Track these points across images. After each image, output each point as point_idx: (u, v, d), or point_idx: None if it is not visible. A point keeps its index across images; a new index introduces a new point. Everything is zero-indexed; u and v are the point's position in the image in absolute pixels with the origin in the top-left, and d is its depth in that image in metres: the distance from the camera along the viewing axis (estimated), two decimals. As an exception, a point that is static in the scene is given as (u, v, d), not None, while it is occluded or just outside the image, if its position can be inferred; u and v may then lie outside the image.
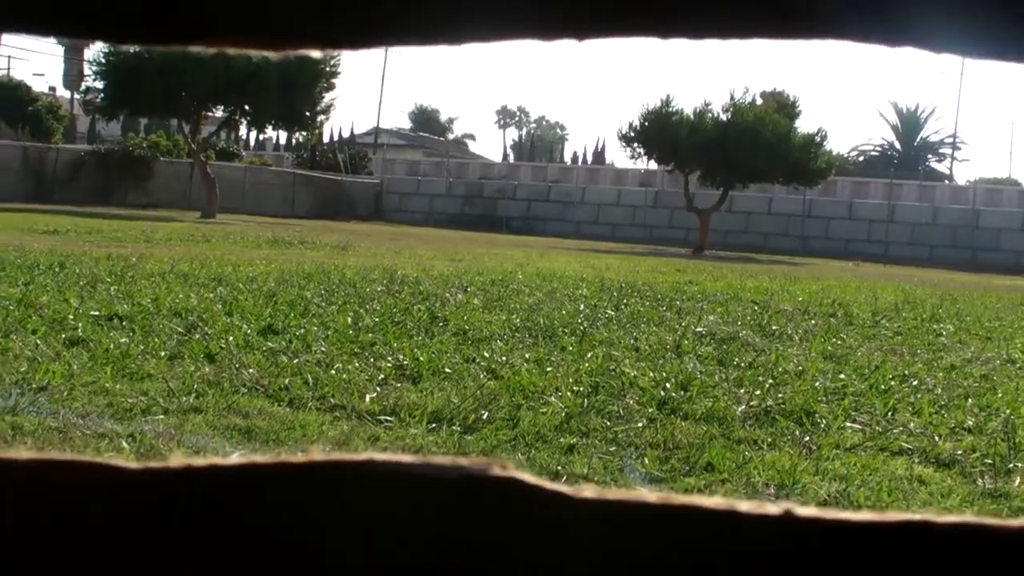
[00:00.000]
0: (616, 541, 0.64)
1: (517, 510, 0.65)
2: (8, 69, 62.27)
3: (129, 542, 0.67)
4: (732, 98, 44.54)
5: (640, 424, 5.88)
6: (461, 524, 0.65)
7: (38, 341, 7.02)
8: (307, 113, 45.70)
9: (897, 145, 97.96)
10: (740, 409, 6.40)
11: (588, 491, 0.65)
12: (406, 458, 0.67)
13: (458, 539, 0.65)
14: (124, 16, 0.70)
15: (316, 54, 0.74)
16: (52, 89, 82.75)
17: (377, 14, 0.70)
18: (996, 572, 0.66)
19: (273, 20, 0.70)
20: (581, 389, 6.68)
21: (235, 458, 0.69)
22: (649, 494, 0.65)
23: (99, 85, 43.47)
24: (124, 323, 8.11)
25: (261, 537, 0.66)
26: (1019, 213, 52.36)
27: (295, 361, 6.96)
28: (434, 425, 5.60)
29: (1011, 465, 5.50)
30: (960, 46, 0.74)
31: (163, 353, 6.94)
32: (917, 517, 0.66)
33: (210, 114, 46.53)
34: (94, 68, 43.48)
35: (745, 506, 0.65)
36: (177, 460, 0.69)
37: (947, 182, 71.63)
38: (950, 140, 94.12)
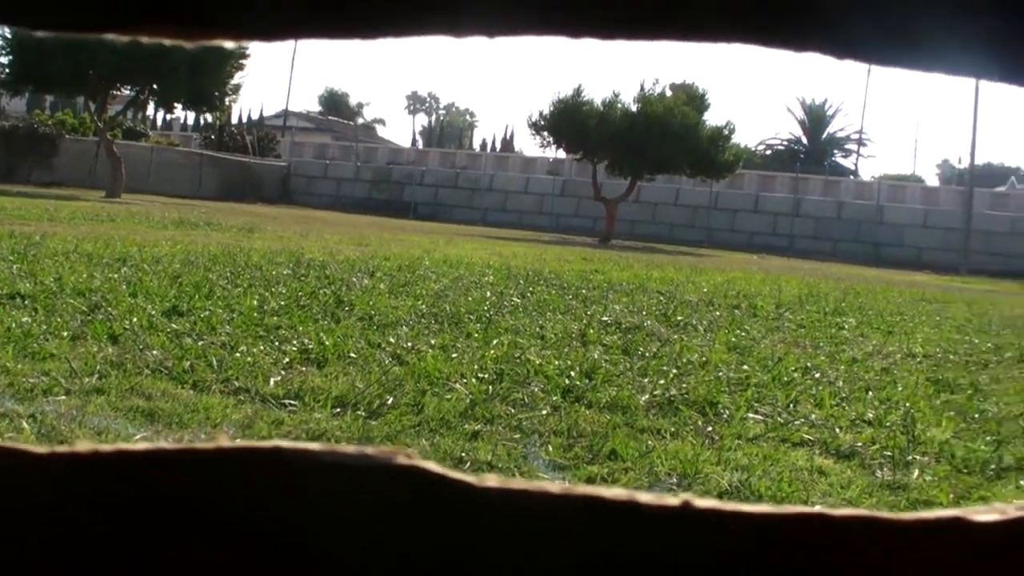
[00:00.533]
0: (519, 531, 0.65)
1: (422, 499, 0.66)
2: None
3: (36, 526, 0.67)
4: (642, 89, 44.73)
5: (544, 412, 5.91)
6: (369, 512, 0.66)
7: (-62, 319, 6.94)
8: (216, 93, 45.32)
9: (804, 140, 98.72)
10: (644, 398, 6.44)
11: (492, 480, 0.66)
12: (313, 446, 0.67)
13: (363, 528, 0.66)
14: (35, 2, 0.70)
15: (230, 44, 0.74)
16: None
17: (289, 7, 0.70)
18: (888, 564, 0.68)
19: (188, 10, 0.70)
20: (486, 376, 6.69)
21: (142, 444, 0.69)
22: (552, 485, 0.66)
23: (4, 60, 42.90)
24: (26, 302, 8.02)
25: (168, 524, 0.67)
26: (922, 210, 53.04)
27: (199, 343, 6.92)
28: (339, 410, 5.59)
29: (910, 457, 5.58)
30: (981, 70, 0.75)
31: (66, 333, 6.88)
32: (811, 510, 0.67)
33: (118, 93, 46.03)
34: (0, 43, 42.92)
35: (645, 497, 0.66)
36: (84, 445, 0.69)
37: (852, 178, 72.32)
38: (856, 136, 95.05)
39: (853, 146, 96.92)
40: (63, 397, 5.33)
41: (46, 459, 0.68)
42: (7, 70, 42.87)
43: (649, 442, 5.48)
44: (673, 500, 0.66)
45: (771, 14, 0.72)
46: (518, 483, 0.66)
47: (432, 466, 0.66)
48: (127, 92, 46.35)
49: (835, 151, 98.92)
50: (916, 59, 0.74)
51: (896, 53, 0.74)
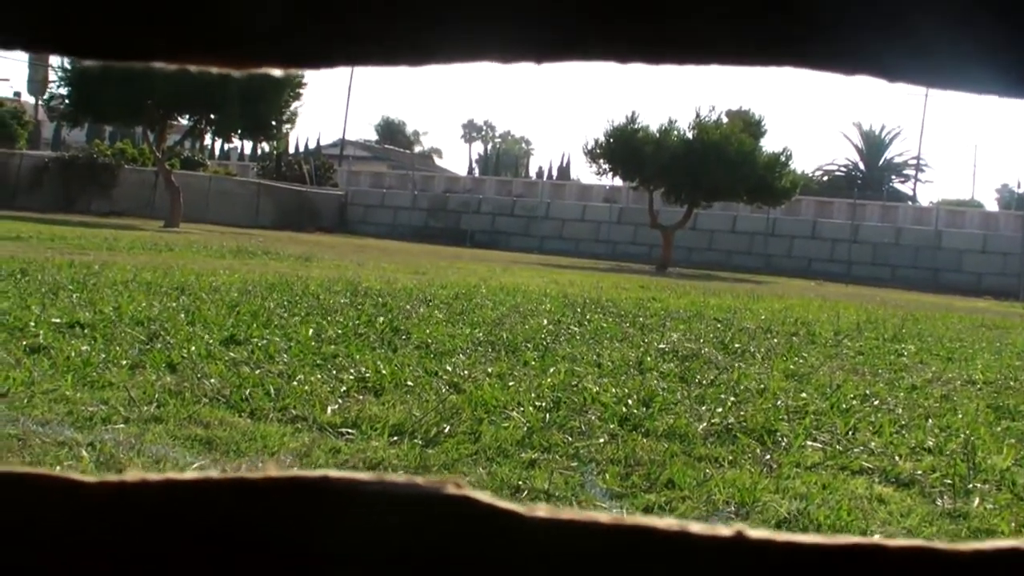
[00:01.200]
0: (567, 561, 0.65)
1: (471, 529, 0.65)
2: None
3: (84, 555, 0.67)
4: (698, 116, 44.66)
5: (602, 440, 5.89)
6: (416, 542, 0.66)
7: (-2, 348, 6.99)
8: (272, 123, 45.55)
9: (861, 166, 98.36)
10: (701, 426, 6.41)
11: (541, 510, 0.66)
12: (362, 476, 0.67)
13: (412, 557, 0.65)
14: (86, 33, 0.71)
15: (277, 72, 0.74)
16: (17, 95, 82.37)
17: (340, 35, 0.70)
18: None
19: (235, 39, 0.70)
20: (543, 404, 6.68)
21: (191, 473, 0.69)
22: (602, 515, 0.65)
23: (64, 91, 43.26)
24: (86, 331, 8.08)
25: (216, 552, 0.66)
26: (980, 235, 52.66)
27: (257, 372, 6.94)
28: (395, 438, 5.59)
29: (970, 485, 5.52)
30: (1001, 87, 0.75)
31: (124, 362, 6.91)
32: (867, 540, 0.66)
33: (175, 122, 46.34)
34: (59, 74, 43.29)
35: (697, 528, 0.65)
36: (133, 474, 0.69)
37: (910, 203, 71.94)
38: (914, 162, 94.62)
39: (911, 171, 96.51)
40: (122, 425, 5.35)
41: (96, 488, 0.68)
42: (66, 101, 43.24)
43: (707, 470, 5.45)
44: (726, 531, 0.66)
45: (812, 40, 0.72)
46: (567, 513, 0.65)
47: (482, 496, 0.65)
48: (185, 122, 46.67)
49: (893, 176, 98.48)
50: (940, 77, 0.74)
51: (926, 72, 0.74)
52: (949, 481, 5.58)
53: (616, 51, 0.72)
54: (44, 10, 0.70)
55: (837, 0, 0.69)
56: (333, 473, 0.67)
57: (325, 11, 0.69)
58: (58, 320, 8.44)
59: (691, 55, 0.73)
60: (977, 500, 5.29)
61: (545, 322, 11.81)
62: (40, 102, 71.80)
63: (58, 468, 4.65)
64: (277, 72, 0.75)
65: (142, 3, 0.69)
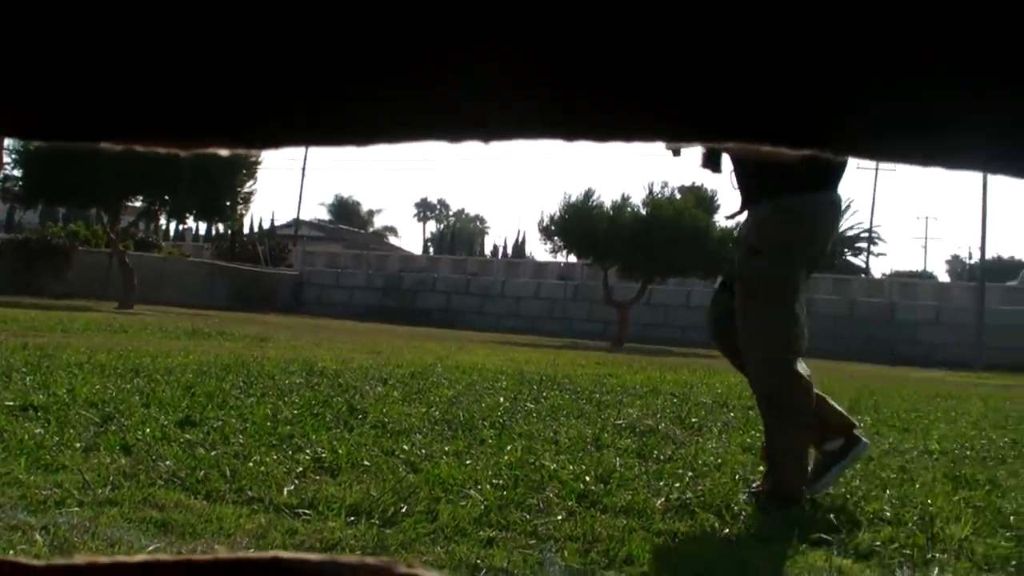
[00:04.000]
0: None
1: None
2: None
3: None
4: (651, 192, 44.93)
5: (560, 517, 5.87)
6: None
7: (-49, 432, 6.93)
8: (227, 203, 45.57)
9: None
10: (660, 502, 6.40)
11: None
12: (312, 556, 0.66)
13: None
14: (29, 114, 0.71)
15: (225, 152, 0.74)
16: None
17: (286, 115, 0.71)
18: None
19: (182, 119, 0.70)
20: (501, 482, 6.66)
21: (140, 556, 0.69)
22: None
23: (17, 173, 43.21)
24: (39, 414, 8.02)
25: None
26: (934, 306, 53.12)
27: (212, 453, 6.90)
28: (353, 518, 5.55)
29: (929, 556, 5.53)
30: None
31: (79, 444, 6.86)
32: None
33: (129, 204, 46.31)
34: (12, 156, 43.22)
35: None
36: (82, 557, 0.68)
37: (863, 276, 72.42)
38: (866, 234, 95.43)
39: (863, 244, 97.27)
40: (76, 509, 5.31)
41: (44, 571, 0.68)
42: (19, 183, 43.17)
43: (665, 544, 5.44)
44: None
45: (788, 115, 0.72)
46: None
47: (434, 575, 0.65)
48: (139, 203, 46.63)
49: (845, 250, 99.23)
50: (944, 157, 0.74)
51: (923, 151, 0.74)
52: (908, 551, 5.58)
53: (562, 131, 0.72)
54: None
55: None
56: (283, 554, 0.66)
57: (271, 91, 0.69)
58: (11, 403, 8.38)
59: (641, 134, 0.73)
60: (937, 570, 5.30)
61: (502, 400, 11.80)
62: (-8, 185, 71.63)
63: (11, 552, 4.61)
64: (224, 152, 0.75)
65: (88, 83, 0.68)
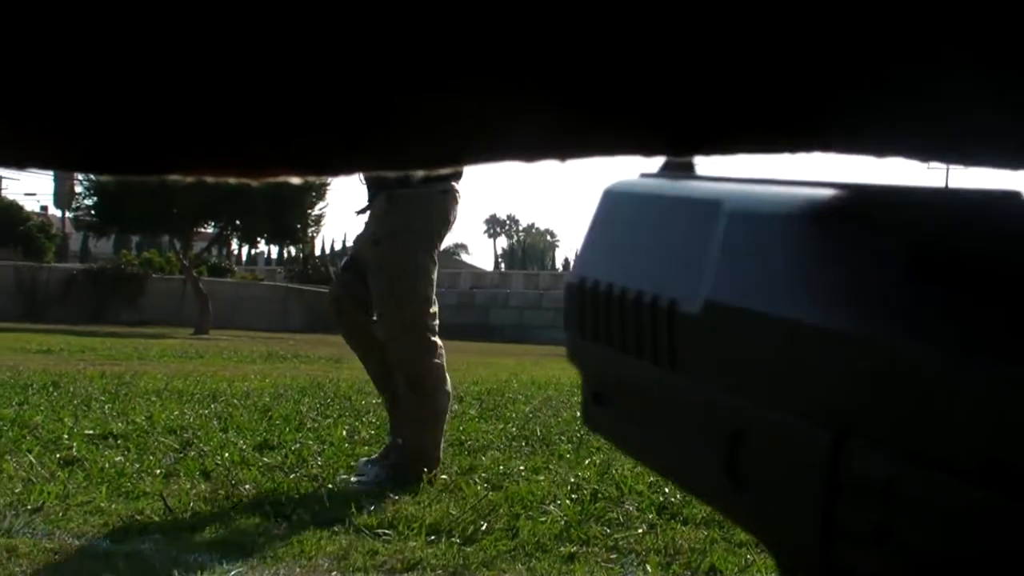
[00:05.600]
0: None
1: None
2: (-1, 190, 62.81)
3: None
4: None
5: (640, 530, 5.84)
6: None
7: (33, 461, 6.98)
8: (298, 226, 45.82)
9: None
10: (740, 513, 6.36)
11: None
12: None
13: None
14: (99, 150, 0.71)
15: (296, 180, 0.75)
16: (44, 208, 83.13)
17: (359, 141, 0.70)
18: None
19: (251, 149, 0.70)
20: (580, 497, 6.63)
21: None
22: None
23: (89, 203, 43.65)
24: (119, 441, 8.07)
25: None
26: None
27: (291, 476, 6.92)
28: (433, 537, 5.54)
29: None
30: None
31: (159, 471, 6.90)
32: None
33: (201, 230, 46.66)
34: (84, 186, 43.70)
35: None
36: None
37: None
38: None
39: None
40: (158, 535, 5.33)
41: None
42: (92, 213, 43.61)
43: (748, 556, 5.40)
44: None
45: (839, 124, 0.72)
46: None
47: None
48: (211, 229, 46.97)
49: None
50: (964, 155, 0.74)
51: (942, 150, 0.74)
52: None
53: (643, 146, 0.72)
54: (56, 129, 0.70)
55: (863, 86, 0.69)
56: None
57: (344, 118, 0.68)
58: (91, 431, 8.44)
59: (719, 145, 0.73)
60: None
61: (578, 414, 11.76)
62: (67, 214, 72.45)
63: (96, 581, 4.64)
64: (295, 180, 0.75)
65: (156, 118, 0.68)
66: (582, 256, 0.95)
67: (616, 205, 0.94)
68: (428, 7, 0.60)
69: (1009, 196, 0.69)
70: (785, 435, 0.68)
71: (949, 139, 0.74)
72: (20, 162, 0.73)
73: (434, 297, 7.32)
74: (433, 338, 7.25)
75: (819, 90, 0.69)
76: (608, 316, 0.86)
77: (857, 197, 0.71)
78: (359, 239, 7.53)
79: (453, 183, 7.29)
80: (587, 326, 0.90)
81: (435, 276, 7.30)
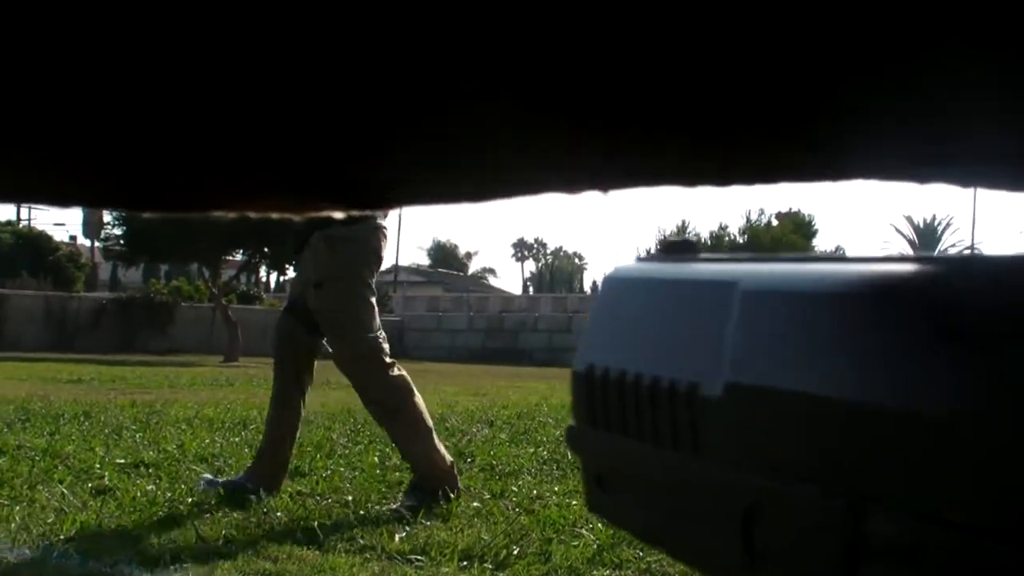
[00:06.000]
0: None
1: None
2: (29, 220, 63.16)
3: None
4: (748, 220, 44.83)
5: (673, 554, 5.81)
6: None
7: (64, 491, 7.00)
8: (327, 253, 45.83)
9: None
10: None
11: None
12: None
13: None
14: (139, 190, 0.71)
15: (339, 215, 0.75)
16: (72, 238, 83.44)
17: (401, 177, 0.70)
18: None
19: (294, 185, 0.70)
20: (612, 520, 6.61)
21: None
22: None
23: (118, 232, 43.78)
24: (150, 470, 8.09)
25: None
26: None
27: (323, 503, 6.91)
28: (466, 563, 5.53)
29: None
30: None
31: (190, 499, 6.91)
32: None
33: (230, 258, 46.75)
34: (113, 216, 43.81)
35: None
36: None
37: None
38: (968, 251, 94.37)
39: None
40: (190, 563, 5.33)
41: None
42: (121, 242, 43.73)
43: (783, 579, 5.37)
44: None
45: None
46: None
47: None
48: (239, 257, 47.05)
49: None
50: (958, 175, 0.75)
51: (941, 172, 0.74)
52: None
53: (683, 177, 0.72)
54: (102, 169, 0.70)
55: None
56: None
57: (385, 154, 0.68)
58: (122, 460, 8.46)
59: (763, 175, 0.73)
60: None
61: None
62: (96, 244, 72.68)
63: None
64: (337, 214, 0.76)
65: (195, 157, 0.68)
66: (588, 344, 0.94)
67: (620, 291, 0.92)
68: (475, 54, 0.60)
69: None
70: (804, 506, 0.68)
71: (948, 160, 0.74)
72: (69, 201, 0.73)
73: (379, 323, 7.61)
74: (387, 359, 7.44)
75: (843, 117, 0.69)
76: (620, 402, 0.85)
77: (870, 271, 0.71)
78: (297, 282, 7.82)
79: (381, 221, 7.58)
80: (596, 413, 0.89)
81: (375, 304, 7.61)
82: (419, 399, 7.45)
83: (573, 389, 0.91)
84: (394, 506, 6.86)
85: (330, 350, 7.60)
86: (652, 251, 0.92)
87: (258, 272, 63.21)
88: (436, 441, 7.33)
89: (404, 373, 7.50)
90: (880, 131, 0.69)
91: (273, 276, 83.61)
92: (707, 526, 0.77)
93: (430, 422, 7.39)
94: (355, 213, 0.76)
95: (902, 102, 0.67)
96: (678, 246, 0.89)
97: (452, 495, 7.03)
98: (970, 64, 0.63)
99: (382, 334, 7.58)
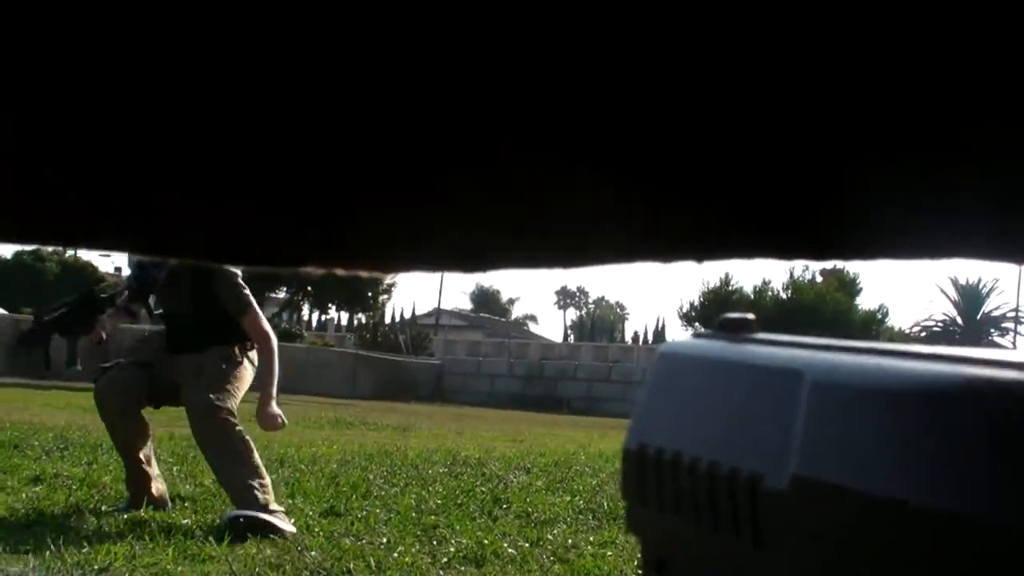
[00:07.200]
0: None
1: None
2: (75, 251, 63.60)
3: None
4: (792, 276, 44.71)
5: (709, 608, 5.77)
6: None
7: (100, 522, 7.00)
8: (369, 294, 46.02)
9: (959, 320, 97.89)
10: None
11: None
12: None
13: None
14: (238, 244, 0.72)
15: (389, 279, 0.76)
16: (118, 269, 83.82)
17: (493, 240, 0.70)
18: None
19: (380, 245, 0.71)
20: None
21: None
22: None
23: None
24: (186, 504, 8.09)
25: None
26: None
27: (358, 544, 6.89)
28: (499, 609, 5.50)
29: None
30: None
31: (225, 535, 6.90)
32: None
33: (273, 295, 46.94)
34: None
35: None
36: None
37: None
38: (1012, 314, 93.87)
39: (1010, 324, 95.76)
40: (223, 600, 5.32)
41: None
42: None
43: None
44: None
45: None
46: None
47: None
48: (282, 294, 47.26)
49: (992, 330, 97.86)
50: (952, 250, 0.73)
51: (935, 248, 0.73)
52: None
53: (774, 252, 0.72)
54: (190, 222, 0.70)
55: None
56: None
57: (467, 220, 0.68)
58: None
59: (860, 251, 0.74)
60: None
61: (646, 488, 11.68)
62: (140, 277, 72.95)
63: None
64: (388, 278, 0.77)
65: (290, 213, 0.69)
66: (641, 421, 0.92)
67: (675, 368, 0.90)
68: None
69: None
70: None
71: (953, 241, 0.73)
72: (144, 250, 0.75)
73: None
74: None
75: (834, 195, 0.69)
76: (676, 486, 0.82)
77: (946, 372, 0.68)
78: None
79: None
80: (650, 494, 0.86)
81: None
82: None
83: (625, 466, 0.88)
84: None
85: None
86: (709, 328, 0.89)
87: (300, 310, 63.37)
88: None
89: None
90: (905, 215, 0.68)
91: (315, 315, 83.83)
92: None
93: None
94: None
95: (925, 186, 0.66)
96: (738, 324, 0.87)
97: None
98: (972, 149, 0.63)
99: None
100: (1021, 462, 0.59)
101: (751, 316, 0.89)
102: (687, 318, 46.53)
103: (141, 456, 7.91)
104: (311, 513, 7.99)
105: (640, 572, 0.91)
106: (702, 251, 0.73)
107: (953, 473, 0.62)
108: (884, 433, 0.67)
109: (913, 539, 0.62)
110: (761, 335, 0.86)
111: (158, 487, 7.99)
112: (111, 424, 7.98)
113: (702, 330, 0.90)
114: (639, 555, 0.90)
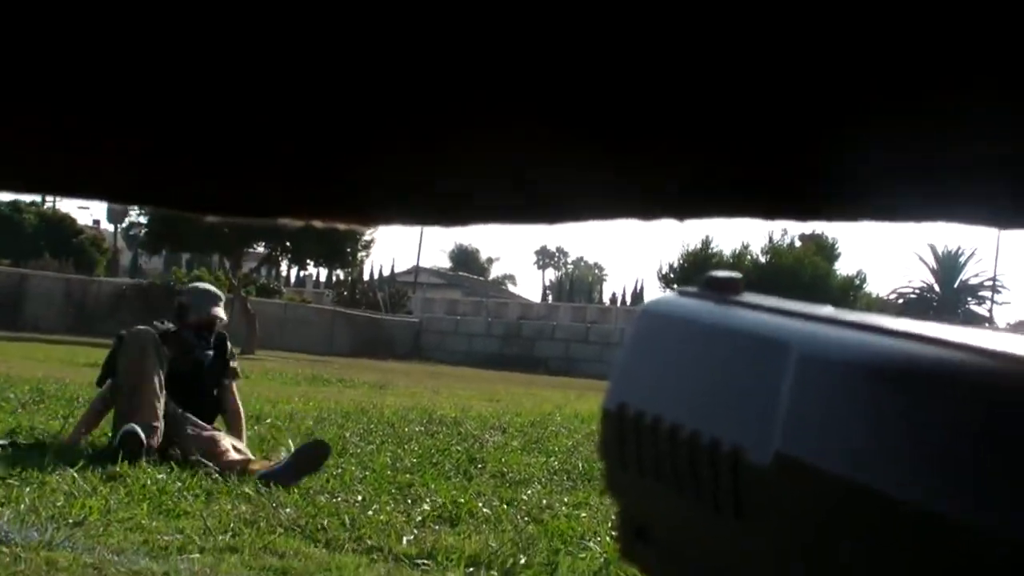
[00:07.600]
0: None
1: None
2: (54, 202, 63.42)
3: None
4: (771, 240, 44.75)
5: (680, 571, 5.79)
6: None
7: (76, 476, 7.00)
8: (348, 250, 45.88)
9: (936, 288, 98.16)
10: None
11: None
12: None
13: None
14: (213, 193, 0.72)
15: (402, 228, 0.75)
16: (96, 222, 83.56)
17: (468, 194, 0.71)
18: None
19: (361, 197, 0.71)
20: (620, 534, 6.59)
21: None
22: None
23: (142, 220, 43.96)
24: (162, 459, 8.08)
25: None
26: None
27: (333, 501, 6.90)
28: (471, 569, 5.52)
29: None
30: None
31: (199, 491, 6.90)
32: None
33: (251, 250, 46.80)
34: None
35: None
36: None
37: (987, 325, 71.49)
38: (989, 283, 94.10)
39: (987, 293, 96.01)
40: (197, 555, 5.32)
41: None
42: (145, 230, 43.89)
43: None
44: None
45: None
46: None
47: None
48: (260, 249, 47.11)
49: (969, 298, 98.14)
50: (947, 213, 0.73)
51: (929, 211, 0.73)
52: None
53: (756, 211, 0.73)
54: (173, 171, 0.70)
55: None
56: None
57: (451, 169, 0.68)
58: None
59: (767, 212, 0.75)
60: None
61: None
62: (118, 230, 72.90)
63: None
64: (401, 228, 0.77)
65: (272, 164, 0.69)
66: (620, 380, 0.90)
67: (658, 327, 0.88)
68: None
69: None
70: None
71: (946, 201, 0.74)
72: (116, 196, 0.74)
73: None
74: None
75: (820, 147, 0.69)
76: (656, 452, 0.82)
77: (945, 352, 0.67)
78: None
79: None
80: (629, 457, 0.85)
81: None
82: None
83: (603, 428, 0.87)
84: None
85: None
86: (695, 287, 0.88)
87: (279, 266, 63.29)
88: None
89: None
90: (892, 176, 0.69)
91: (293, 271, 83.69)
92: None
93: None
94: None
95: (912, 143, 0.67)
96: (724, 283, 0.86)
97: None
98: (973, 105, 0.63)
99: None
100: (1016, 460, 0.58)
101: (738, 275, 0.88)
102: (666, 280, 46.59)
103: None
104: (286, 470, 7.99)
105: (616, 534, 0.91)
106: (684, 209, 0.74)
107: (942, 467, 0.61)
108: (873, 418, 0.66)
109: (895, 530, 0.62)
110: (748, 297, 0.85)
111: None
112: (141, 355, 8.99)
113: (687, 288, 0.89)
114: (615, 517, 0.89)
